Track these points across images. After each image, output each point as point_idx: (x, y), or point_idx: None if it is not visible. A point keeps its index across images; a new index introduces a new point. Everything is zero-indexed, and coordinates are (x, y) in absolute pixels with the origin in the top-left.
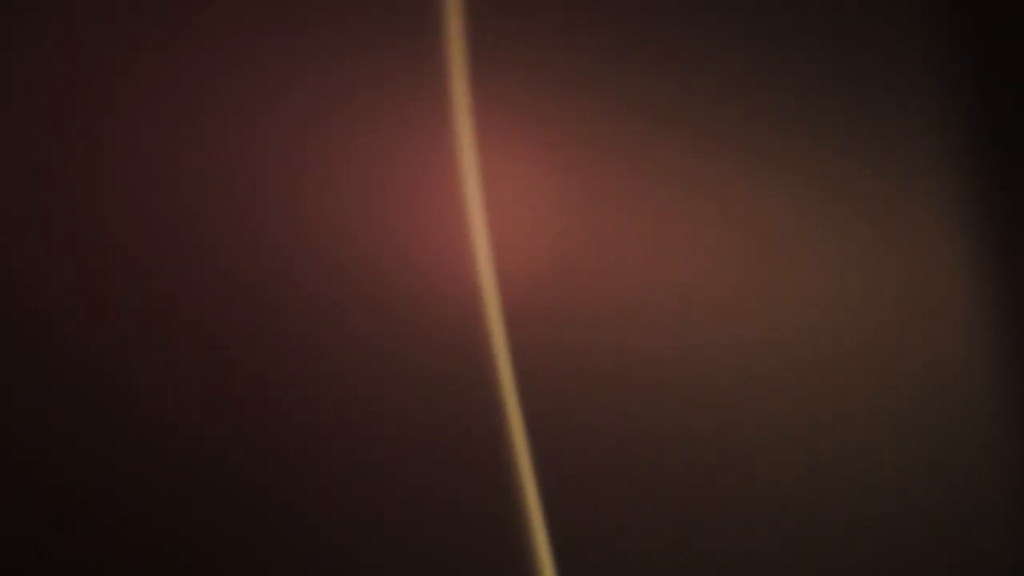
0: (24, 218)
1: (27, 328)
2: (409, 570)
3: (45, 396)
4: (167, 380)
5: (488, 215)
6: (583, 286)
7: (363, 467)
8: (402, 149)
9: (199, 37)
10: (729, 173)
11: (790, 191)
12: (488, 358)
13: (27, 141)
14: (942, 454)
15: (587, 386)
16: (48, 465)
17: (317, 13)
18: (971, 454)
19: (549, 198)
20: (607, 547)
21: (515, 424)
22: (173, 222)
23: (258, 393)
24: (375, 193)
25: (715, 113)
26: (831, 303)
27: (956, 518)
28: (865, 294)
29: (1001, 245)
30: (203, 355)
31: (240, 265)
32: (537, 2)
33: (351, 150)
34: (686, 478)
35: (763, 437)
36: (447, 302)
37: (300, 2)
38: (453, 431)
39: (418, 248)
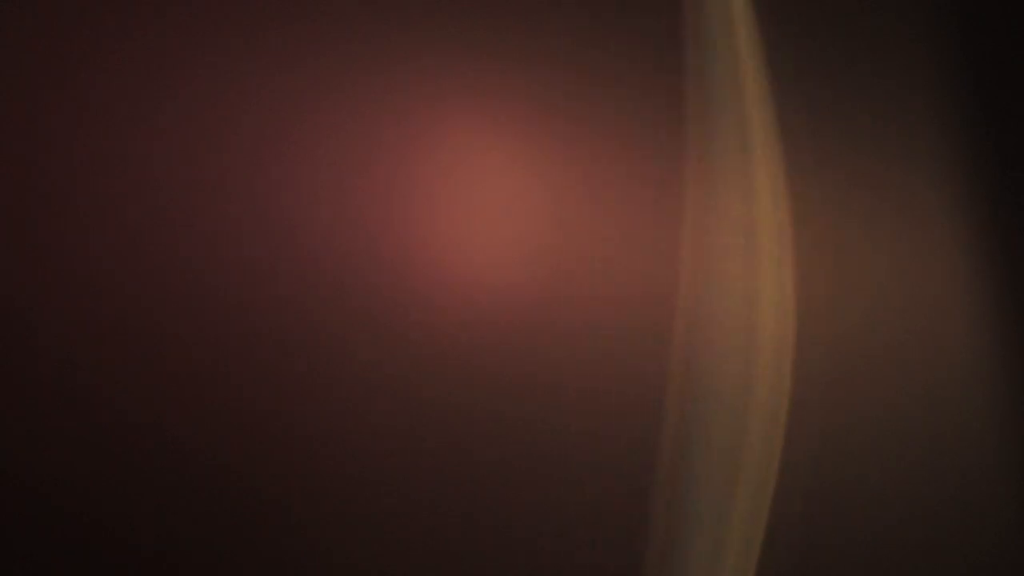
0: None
1: (6, 335)
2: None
3: (24, 404)
4: (157, 389)
5: (481, 215)
6: (581, 288)
7: (356, 474)
8: (386, 147)
9: (176, 30)
10: (730, 170)
11: (792, 189)
12: (482, 363)
13: None
14: (945, 456)
15: (579, 396)
16: (33, 474)
17: (300, 4)
18: (975, 456)
19: (546, 194)
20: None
21: (509, 430)
22: (157, 227)
23: (251, 402)
24: (356, 194)
25: (716, 106)
26: (832, 304)
27: (958, 522)
28: (867, 295)
29: (1005, 245)
30: (191, 363)
31: (231, 268)
32: None
33: (328, 149)
34: (685, 484)
35: (761, 448)
36: (435, 309)
37: None
38: (447, 441)
39: (404, 249)
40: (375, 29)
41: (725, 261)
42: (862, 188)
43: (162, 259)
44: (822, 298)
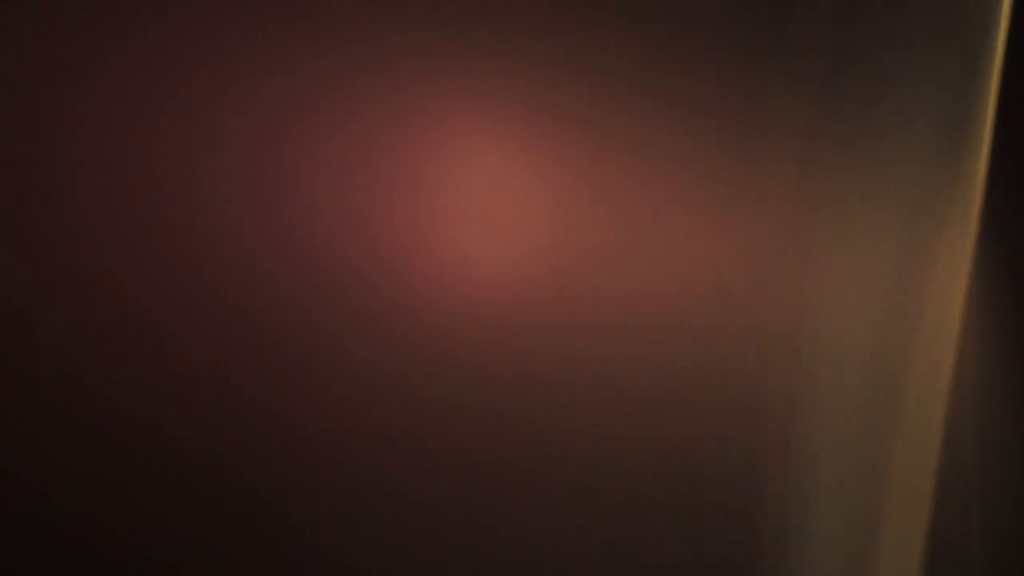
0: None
1: (6, 335)
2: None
3: (24, 404)
4: (157, 388)
5: (482, 215)
6: (581, 287)
7: (356, 474)
8: (386, 147)
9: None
10: (731, 169)
11: (794, 188)
12: (482, 363)
13: None
14: (944, 457)
15: (579, 396)
16: (33, 474)
17: (300, 4)
18: (974, 456)
19: (546, 194)
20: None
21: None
22: (157, 227)
23: (251, 402)
24: (356, 194)
25: (718, 104)
26: (834, 311)
27: (957, 522)
28: (869, 295)
29: (1005, 246)
30: (191, 363)
31: (231, 268)
32: None
33: (327, 149)
34: (684, 491)
35: (762, 449)
36: (435, 309)
37: None
38: (442, 443)
39: (404, 249)
40: (375, 29)
41: (724, 261)
42: (862, 188)
43: (162, 259)
44: (825, 297)
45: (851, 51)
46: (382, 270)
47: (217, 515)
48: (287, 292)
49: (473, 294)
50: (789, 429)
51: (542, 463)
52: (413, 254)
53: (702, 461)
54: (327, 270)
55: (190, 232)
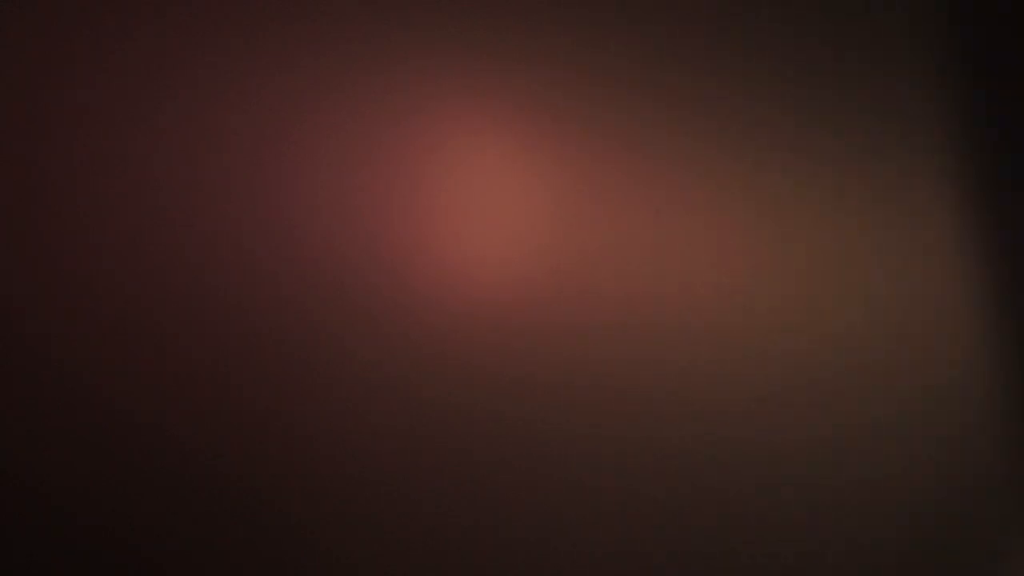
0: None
1: (6, 335)
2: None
3: (24, 404)
4: (157, 389)
5: (481, 214)
6: (581, 287)
7: (356, 474)
8: (386, 147)
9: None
10: (731, 169)
11: (794, 188)
12: (482, 363)
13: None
14: (944, 468)
15: (579, 396)
16: (33, 474)
17: (300, 4)
18: (973, 467)
19: (546, 194)
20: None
21: (501, 435)
22: (157, 227)
23: (251, 402)
24: (356, 194)
25: (718, 104)
26: (833, 311)
27: (957, 530)
28: (866, 294)
29: (1005, 247)
30: (191, 363)
31: (231, 268)
32: None
33: (327, 149)
34: (684, 491)
35: (761, 449)
36: (435, 309)
37: None
38: (441, 439)
39: (404, 249)
40: (375, 29)
41: (724, 261)
42: (860, 188)
43: (162, 259)
44: (821, 297)
45: (851, 50)
46: (382, 270)
47: (217, 515)
48: (287, 292)
49: (473, 294)
50: (789, 429)
51: (542, 463)
52: (413, 254)
53: (702, 461)
54: (327, 270)
55: (190, 232)
